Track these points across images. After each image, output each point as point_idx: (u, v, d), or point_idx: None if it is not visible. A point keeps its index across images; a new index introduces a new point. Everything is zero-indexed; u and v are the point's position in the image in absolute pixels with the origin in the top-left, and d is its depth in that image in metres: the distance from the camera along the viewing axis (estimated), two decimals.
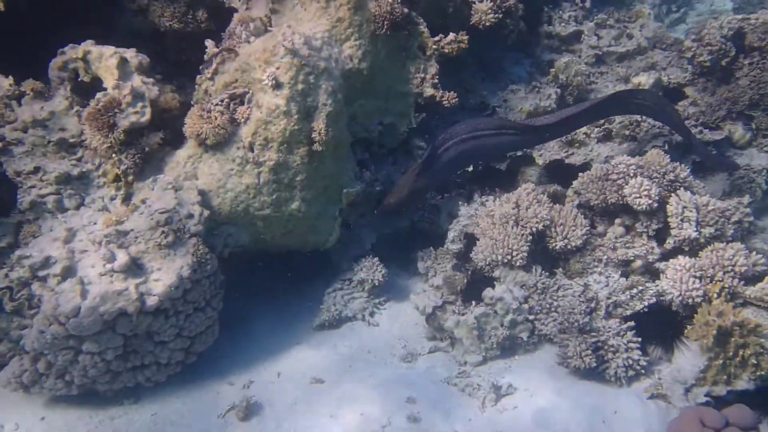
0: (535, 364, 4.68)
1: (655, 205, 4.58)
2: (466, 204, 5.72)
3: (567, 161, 6.07)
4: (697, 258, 4.41)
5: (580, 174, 5.25)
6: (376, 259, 5.47)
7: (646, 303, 4.38)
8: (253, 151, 4.54)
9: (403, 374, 4.74)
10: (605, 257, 4.86)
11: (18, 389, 4.21)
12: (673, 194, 4.61)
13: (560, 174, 6.03)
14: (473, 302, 4.87)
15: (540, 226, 4.95)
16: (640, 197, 4.56)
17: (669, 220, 4.58)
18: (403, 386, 4.55)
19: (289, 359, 4.95)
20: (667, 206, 4.58)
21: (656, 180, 4.65)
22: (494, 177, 6.22)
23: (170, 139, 4.74)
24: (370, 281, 5.40)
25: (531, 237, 4.94)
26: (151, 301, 4.09)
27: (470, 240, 5.43)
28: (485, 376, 4.56)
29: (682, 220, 4.51)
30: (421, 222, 5.89)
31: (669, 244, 4.65)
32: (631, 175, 4.69)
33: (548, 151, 6.19)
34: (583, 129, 6.13)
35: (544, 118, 5.59)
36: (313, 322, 5.30)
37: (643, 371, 4.27)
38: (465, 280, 5.19)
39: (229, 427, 4.31)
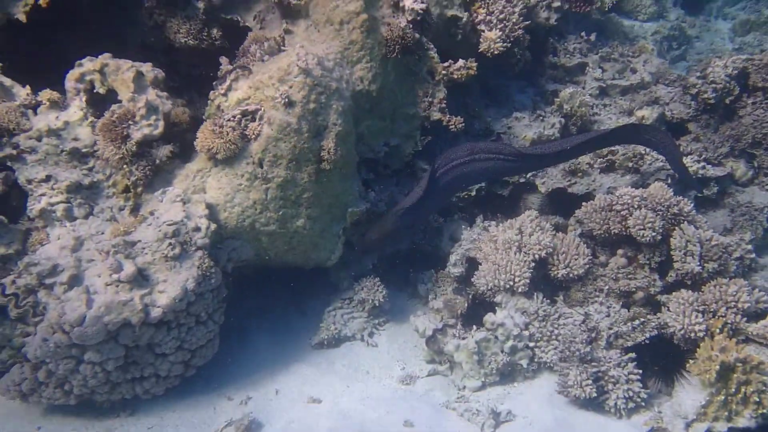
0: (535, 391, 4.71)
1: (659, 237, 4.66)
2: (468, 228, 5.80)
3: (569, 190, 6.15)
4: (700, 292, 4.47)
5: (584, 203, 5.33)
6: (377, 279, 5.53)
7: (647, 335, 4.43)
8: (262, 167, 4.61)
9: (402, 396, 4.76)
10: (606, 287, 4.93)
11: (16, 397, 4.22)
12: (676, 228, 4.69)
13: (562, 202, 6.12)
14: (474, 326, 4.91)
15: (543, 254, 5.02)
16: (644, 229, 4.64)
17: (672, 253, 4.65)
18: (402, 408, 4.57)
19: (287, 376, 4.97)
20: (671, 239, 4.66)
21: (660, 213, 4.73)
22: (496, 202, 6.30)
23: (179, 152, 4.82)
24: (370, 301, 5.44)
25: (533, 264, 5.00)
26: (155, 313, 4.12)
27: (472, 264, 5.49)
28: (484, 401, 4.59)
29: (685, 254, 4.59)
30: (423, 244, 5.96)
31: (671, 277, 4.71)
32: (636, 206, 4.77)
33: (551, 179, 6.27)
34: (586, 159, 6.23)
35: (541, 147, 5.66)
36: (312, 340, 5.34)
37: (643, 404, 4.30)
38: (466, 304, 5.24)
39: None
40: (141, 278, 4.16)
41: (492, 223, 5.76)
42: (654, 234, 4.63)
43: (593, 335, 4.52)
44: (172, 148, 4.71)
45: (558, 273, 5.05)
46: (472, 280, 5.25)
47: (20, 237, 4.27)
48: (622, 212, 4.83)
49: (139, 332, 4.12)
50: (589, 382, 4.26)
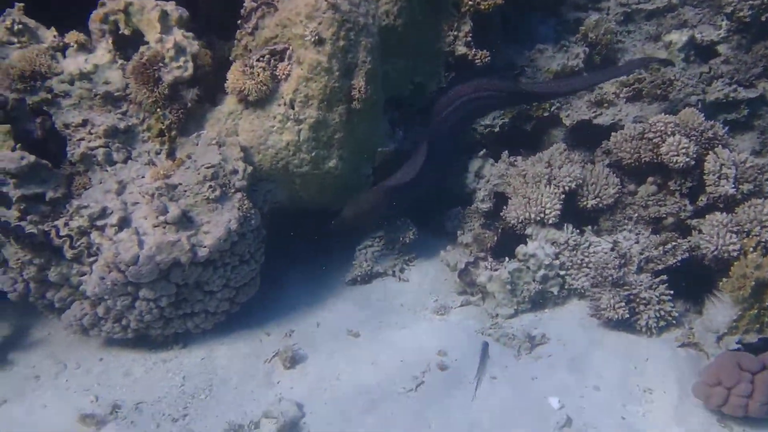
0: (566, 316, 4.97)
1: (692, 163, 4.76)
2: (494, 163, 5.90)
3: (595, 122, 6.19)
4: (734, 213, 4.61)
5: (613, 133, 5.41)
6: (406, 217, 5.69)
7: (678, 258, 4.61)
8: (293, 108, 4.71)
9: (437, 326, 5.04)
10: (636, 215, 5.08)
11: (78, 332, 4.53)
12: (711, 152, 4.78)
13: (587, 134, 6.18)
14: (507, 258, 5.10)
15: (573, 185, 5.16)
16: (678, 155, 4.75)
17: (705, 177, 4.77)
18: (438, 337, 4.86)
19: (325, 311, 5.25)
20: (705, 164, 4.76)
21: (694, 138, 4.83)
22: (519, 137, 6.38)
23: (203, 95, 4.89)
24: (400, 239, 5.65)
25: (563, 196, 5.16)
26: (202, 252, 4.34)
27: (500, 199, 5.64)
28: (517, 327, 4.83)
29: (719, 177, 4.70)
30: (449, 182, 6.08)
31: (702, 201, 4.86)
32: (669, 133, 4.85)
33: (575, 111, 6.31)
34: (612, 88, 6.24)
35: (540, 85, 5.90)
36: (345, 277, 5.59)
37: (674, 322, 4.56)
38: (495, 238, 5.44)
39: (275, 372, 4.62)
40: (185, 220, 4.35)
41: (518, 158, 5.87)
42: (688, 159, 4.74)
43: (624, 261, 4.70)
44: (198, 91, 4.79)
45: (588, 203, 5.20)
46: (502, 214, 5.42)
47: (64, 181, 4.44)
48: (654, 140, 4.92)
49: (188, 271, 4.35)
50: (622, 304, 4.49)
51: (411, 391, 4.35)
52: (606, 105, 6.30)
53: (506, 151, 6.00)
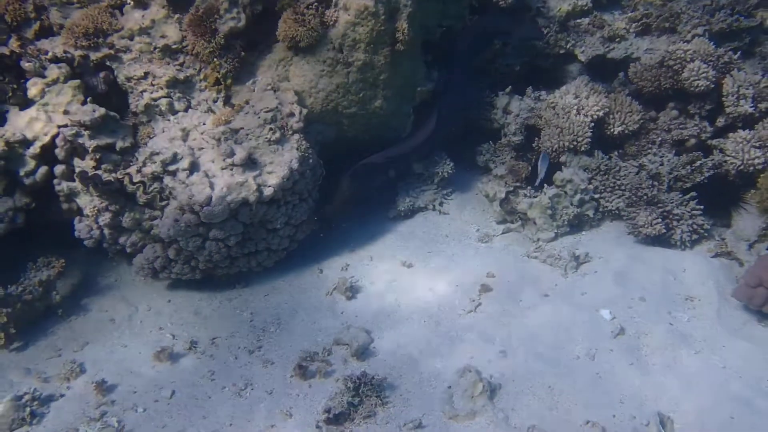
0: (602, 237, 5.37)
1: (712, 86, 5.14)
2: (519, 99, 6.22)
3: (609, 56, 6.49)
4: (755, 130, 5.01)
5: (632, 65, 5.74)
6: (444, 153, 6.01)
7: (705, 175, 5.01)
8: (342, 52, 4.93)
9: (483, 252, 5.39)
10: (659, 139, 5.47)
11: (148, 275, 4.78)
12: (727, 75, 5.16)
13: (599, 69, 6.48)
14: (545, 186, 5.48)
15: (600, 113, 5.51)
16: (699, 79, 5.11)
17: (724, 99, 5.14)
18: (486, 261, 5.21)
19: (375, 245, 5.56)
20: (723, 86, 5.13)
21: (711, 63, 5.18)
22: (537, 74, 6.66)
23: (244, 45, 5.07)
24: (439, 174, 5.96)
25: (592, 124, 5.50)
26: (268, 192, 4.61)
27: (530, 131, 5.98)
28: (559, 249, 5.23)
29: (737, 98, 5.09)
30: (477, 118, 6.40)
31: (720, 122, 5.24)
32: (689, 60, 5.20)
33: (590, 47, 6.58)
34: (622, 24, 6.52)
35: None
36: (389, 213, 5.89)
37: (706, 234, 4.98)
38: (529, 168, 5.78)
39: (338, 303, 4.94)
40: (250, 162, 4.61)
41: (542, 93, 6.19)
42: (708, 83, 5.11)
43: (656, 181, 5.11)
44: (241, 42, 5.00)
45: (614, 131, 5.56)
46: (534, 144, 5.76)
47: (130, 132, 4.64)
48: (674, 67, 5.27)
49: (254, 210, 4.62)
50: (659, 220, 4.90)
51: (471, 312, 4.71)
52: (618, 40, 6.56)
53: (530, 87, 6.33)
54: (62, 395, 4.08)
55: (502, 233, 5.60)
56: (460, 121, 6.19)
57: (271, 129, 4.70)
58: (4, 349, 4.34)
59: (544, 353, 4.32)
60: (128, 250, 4.72)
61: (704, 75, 5.11)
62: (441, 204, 6.00)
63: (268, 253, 4.99)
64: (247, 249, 4.85)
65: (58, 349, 4.45)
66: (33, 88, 4.44)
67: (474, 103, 6.36)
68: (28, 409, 3.83)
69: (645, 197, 5.02)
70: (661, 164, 5.33)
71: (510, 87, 6.39)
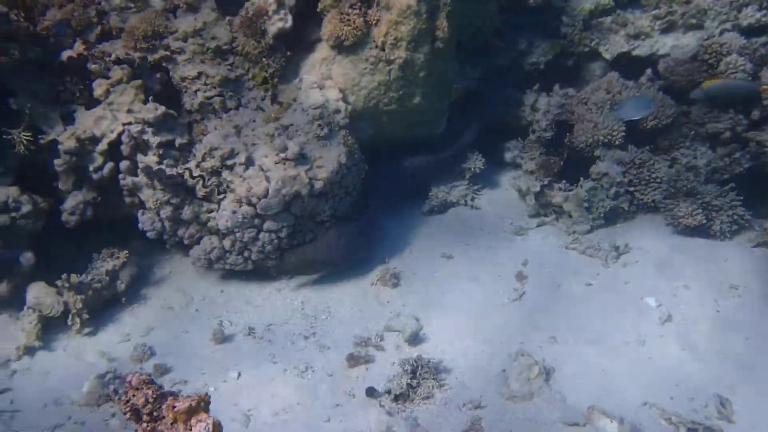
0: (638, 229, 5.62)
1: (749, 79, 5.39)
2: (547, 96, 6.50)
3: (634, 53, 6.76)
4: None
5: (662, 60, 6.01)
6: (475, 150, 6.29)
7: (744, 166, 5.27)
8: (384, 51, 5.22)
9: (520, 244, 5.66)
10: (692, 132, 5.72)
11: (204, 266, 5.07)
12: (764, 67, 5.40)
13: (623, 68, 6.67)
14: (582, 178, 5.75)
15: None
16: (736, 72, 5.36)
17: (762, 88, 5.36)
18: (526, 252, 5.47)
19: (413, 239, 5.82)
20: (762, 77, 5.36)
21: (748, 56, 5.44)
22: (560, 73, 6.89)
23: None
24: (471, 170, 6.24)
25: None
26: (318, 185, 4.90)
27: (560, 127, 6.25)
28: (597, 240, 5.49)
29: None
30: (505, 116, 6.69)
31: (755, 115, 5.48)
32: (725, 53, 5.46)
33: (614, 45, 6.86)
34: (646, 22, 6.79)
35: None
36: (422, 209, 6.16)
37: (746, 225, 5.22)
38: (561, 163, 6.05)
39: (382, 293, 5.20)
40: (301, 156, 4.90)
41: (569, 90, 6.46)
42: (745, 76, 5.36)
43: (693, 173, 5.38)
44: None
45: (647, 125, 5.82)
46: (566, 140, 6.02)
47: (186, 129, 4.95)
48: (710, 61, 5.53)
49: (306, 202, 4.92)
50: (699, 211, 5.16)
51: (516, 300, 4.97)
52: (642, 37, 6.83)
53: (557, 85, 6.60)
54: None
55: (537, 226, 5.86)
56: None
57: (319, 125, 5.00)
58: (78, 333, 4.65)
59: (593, 339, 4.56)
60: (186, 241, 5.01)
61: (742, 67, 5.37)
62: (472, 199, 6.27)
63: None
64: (296, 240, 5.14)
65: (126, 333, 4.74)
66: (98, 88, 4.75)
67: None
68: (112, 386, 4.15)
69: (683, 189, 5.29)
70: (695, 157, 5.58)
71: (538, 84, 6.68)
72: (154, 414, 2.15)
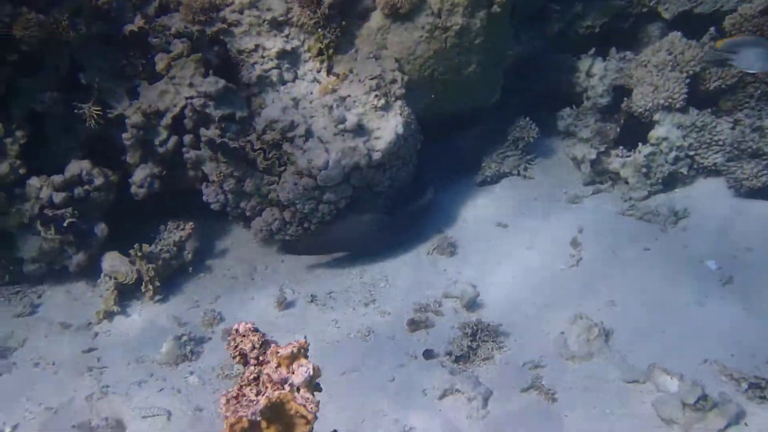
0: (697, 193, 5.56)
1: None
2: (603, 61, 6.36)
3: (696, 11, 6.53)
4: None
5: (729, 16, 5.80)
6: (528, 118, 6.24)
7: None
8: (440, 17, 5.20)
9: (575, 212, 5.65)
10: (758, 92, 5.56)
11: (265, 236, 5.25)
12: None
13: (683, 28, 6.42)
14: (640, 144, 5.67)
15: (697, 69, 5.63)
16: None
17: None
18: (582, 220, 5.46)
19: (467, 208, 5.87)
20: None
21: None
22: (615, 37, 6.73)
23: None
24: (524, 139, 6.20)
25: (688, 80, 5.63)
26: (376, 156, 4.97)
27: (616, 92, 6.13)
28: (655, 206, 5.44)
29: None
30: (558, 84, 6.58)
31: None
32: None
33: (674, 4, 6.65)
34: None
35: None
36: (476, 179, 6.18)
37: None
38: (618, 130, 5.97)
39: (439, 261, 5.30)
40: (359, 128, 4.97)
41: (627, 53, 6.32)
42: None
43: (760, 134, 5.25)
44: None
45: (710, 86, 5.68)
46: (624, 105, 5.91)
47: (245, 102, 5.06)
48: None
49: (364, 173, 5.00)
50: (765, 172, 5.06)
51: (573, 266, 5.00)
52: None
53: (614, 48, 6.46)
54: (210, 338, 4.64)
55: (592, 194, 5.83)
56: None
57: (376, 96, 5.04)
58: (150, 300, 4.90)
59: (652, 302, 4.59)
60: (248, 213, 5.17)
61: None
62: (525, 169, 6.24)
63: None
64: (355, 210, 5.23)
65: (195, 301, 4.98)
66: (160, 62, 4.89)
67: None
68: (188, 347, 4.39)
69: (748, 150, 5.18)
70: (759, 118, 5.44)
71: (594, 49, 6.54)
72: (260, 358, 2.30)
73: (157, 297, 4.94)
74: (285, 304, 4.88)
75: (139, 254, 4.86)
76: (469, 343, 4.32)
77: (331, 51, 5.26)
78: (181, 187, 5.26)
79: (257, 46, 5.13)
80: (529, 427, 3.84)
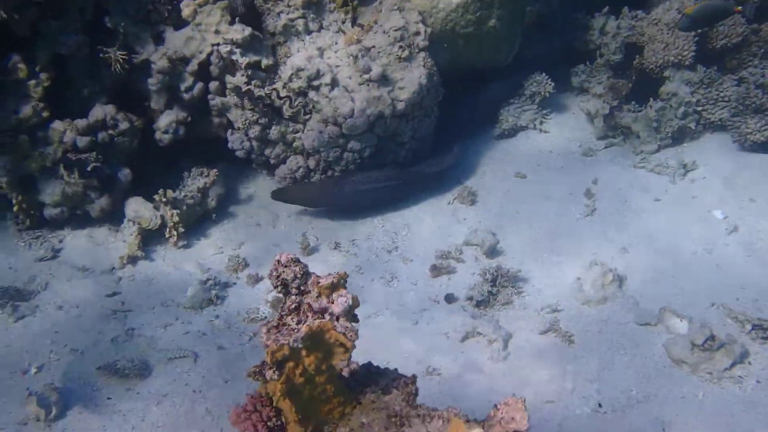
0: (704, 147, 5.78)
1: None
2: (616, 20, 6.47)
3: None
4: None
5: None
6: (544, 74, 6.35)
7: None
8: None
9: (590, 164, 5.84)
10: (761, 51, 5.75)
11: (289, 184, 5.33)
12: None
13: None
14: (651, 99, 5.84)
15: (705, 27, 5.77)
16: None
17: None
18: (596, 171, 5.66)
19: (485, 161, 6.02)
20: None
21: None
22: None
23: None
24: (541, 94, 6.32)
25: (696, 38, 5.78)
26: (400, 106, 5.07)
27: (628, 49, 6.26)
28: (664, 159, 5.64)
29: None
30: (572, 40, 6.69)
31: None
32: None
33: None
34: None
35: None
36: (493, 132, 6.32)
37: None
38: (630, 86, 6.12)
39: (459, 211, 5.46)
40: (383, 78, 5.03)
41: (638, 12, 6.43)
42: None
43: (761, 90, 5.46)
44: None
45: (716, 44, 5.86)
46: (636, 61, 6.07)
47: (270, 51, 5.09)
48: None
49: (388, 123, 5.09)
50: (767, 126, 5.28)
51: (588, 216, 5.20)
52: None
53: (626, 7, 6.56)
54: (234, 283, 4.75)
55: (605, 147, 6.01)
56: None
57: (400, 47, 5.10)
58: (174, 246, 5.00)
59: (662, 249, 4.83)
60: (272, 161, 5.25)
61: None
62: (541, 123, 6.39)
63: (393, 166, 5.49)
64: (378, 161, 5.35)
65: (219, 247, 5.09)
66: (186, 9, 4.88)
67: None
68: (213, 292, 4.50)
69: (752, 106, 5.39)
70: (763, 75, 5.63)
71: (607, 8, 6.64)
72: (301, 288, 2.40)
73: (181, 243, 5.03)
74: (309, 249, 5.01)
75: (164, 200, 4.93)
76: (490, 288, 4.52)
77: (355, 2, 5.30)
78: (205, 135, 5.30)
79: None
80: (547, 368, 4.03)
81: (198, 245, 5.11)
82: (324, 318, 2.31)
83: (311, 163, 5.18)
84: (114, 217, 5.12)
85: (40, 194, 4.93)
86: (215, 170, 5.23)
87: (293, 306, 2.37)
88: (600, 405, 3.75)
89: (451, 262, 4.92)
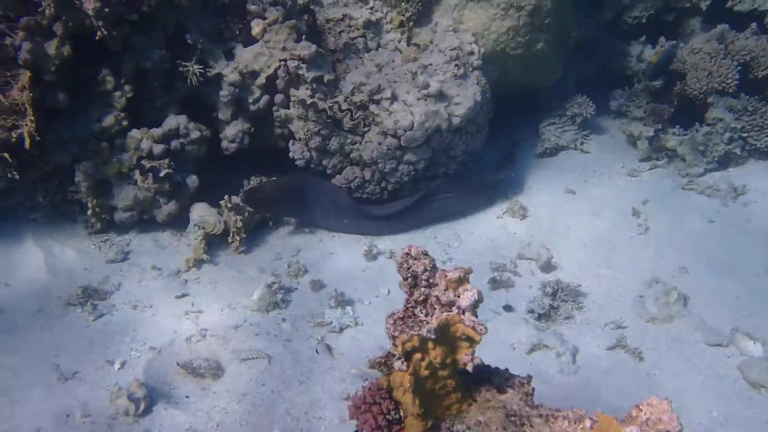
0: (751, 172, 5.26)
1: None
2: (653, 48, 6.31)
3: (736, 9, 6.46)
4: None
5: None
6: (585, 96, 6.15)
7: None
8: None
9: (636, 185, 5.40)
10: None
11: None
12: None
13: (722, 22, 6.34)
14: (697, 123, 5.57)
15: (748, 58, 5.51)
16: None
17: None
18: (643, 192, 5.22)
19: (531, 177, 5.62)
20: None
21: None
22: (659, 27, 6.57)
23: None
24: (582, 115, 6.06)
25: (739, 67, 5.56)
26: (456, 121, 4.81)
27: (669, 76, 6.06)
28: (713, 182, 5.28)
29: None
30: (610, 66, 6.53)
31: None
32: None
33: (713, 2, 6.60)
34: None
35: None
36: (535, 150, 5.97)
37: None
38: (672, 110, 5.90)
39: (509, 224, 5.08)
40: (440, 94, 4.88)
41: (675, 41, 6.27)
42: None
43: None
44: None
45: (759, 74, 5.57)
46: (677, 88, 5.78)
47: (333, 67, 4.95)
48: None
49: (444, 137, 4.90)
50: None
51: (642, 234, 4.78)
52: None
53: (663, 37, 6.38)
54: (296, 288, 4.39)
55: (649, 169, 5.67)
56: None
57: (456, 65, 4.91)
58: (236, 251, 4.66)
59: (723, 270, 4.33)
60: (329, 171, 4.98)
61: None
62: (582, 143, 6.09)
63: (443, 179, 5.29)
64: (431, 173, 5.12)
65: (277, 253, 4.71)
66: (256, 27, 4.70)
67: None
68: (278, 295, 4.25)
69: None
70: None
71: (645, 36, 6.50)
72: (430, 281, 2.21)
73: (242, 249, 4.73)
74: (372, 255, 4.72)
75: (229, 206, 4.72)
76: (550, 302, 4.08)
77: (411, 24, 5.12)
78: (264, 145, 5.13)
79: (345, 15, 4.95)
80: (621, 384, 3.59)
81: (257, 251, 4.76)
82: (452, 311, 2.14)
83: (367, 174, 4.95)
84: (177, 222, 4.82)
85: (113, 198, 4.67)
86: (274, 178, 5.08)
87: (421, 298, 2.20)
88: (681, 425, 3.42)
89: (508, 275, 4.58)
